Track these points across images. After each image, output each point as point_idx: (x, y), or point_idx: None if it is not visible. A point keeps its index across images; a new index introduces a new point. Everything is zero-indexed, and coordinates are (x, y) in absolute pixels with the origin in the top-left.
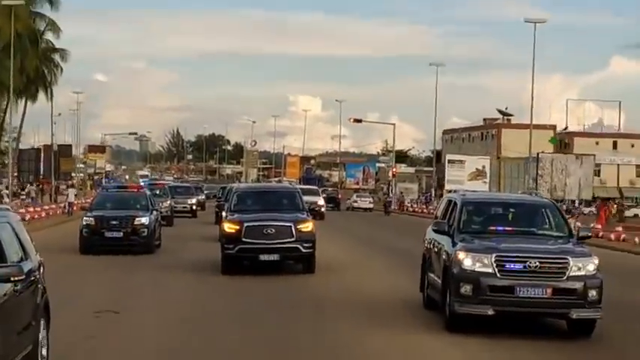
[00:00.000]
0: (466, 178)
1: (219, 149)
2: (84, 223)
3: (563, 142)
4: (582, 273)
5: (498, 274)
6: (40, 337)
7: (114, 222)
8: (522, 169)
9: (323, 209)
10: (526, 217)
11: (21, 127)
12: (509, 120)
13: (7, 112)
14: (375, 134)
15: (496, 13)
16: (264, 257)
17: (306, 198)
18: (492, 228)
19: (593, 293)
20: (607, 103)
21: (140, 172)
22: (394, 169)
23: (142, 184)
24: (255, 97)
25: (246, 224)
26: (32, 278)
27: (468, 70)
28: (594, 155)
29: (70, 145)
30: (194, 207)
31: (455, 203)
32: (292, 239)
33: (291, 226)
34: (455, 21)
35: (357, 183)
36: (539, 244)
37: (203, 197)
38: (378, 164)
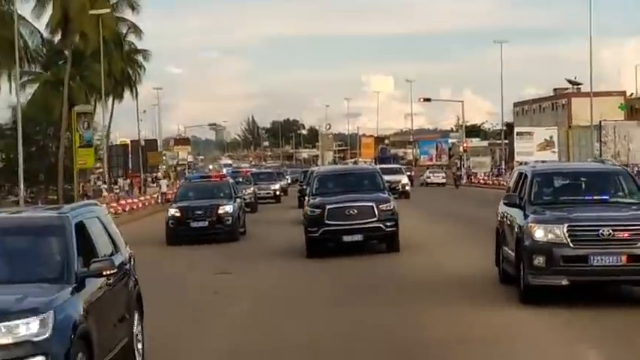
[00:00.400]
0: (535, 149)
1: (294, 134)
2: (169, 214)
3: (634, 107)
4: None
5: (571, 244)
6: (135, 328)
7: (199, 212)
8: (589, 137)
9: (408, 187)
10: (598, 185)
11: (110, 125)
12: (579, 89)
13: (99, 113)
14: (449, 109)
15: None
16: (347, 238)
17: (390, 177)
18: (564, 198)
19: None
20: None
21: (223, 162)
22: (464, 144)
23: (224, 172)
24: (327, 79)
25: (328, 206)
26: (124, 271)
27: (541, 39)
28: None
29: (156, 140)
30: (277, 192)
31: (525, 175)
32: (374, 219)
33: (372, 206)
34: None
35: (431, 159)
36: (611, 211)
37: (286, 182)
38: (450, 140)
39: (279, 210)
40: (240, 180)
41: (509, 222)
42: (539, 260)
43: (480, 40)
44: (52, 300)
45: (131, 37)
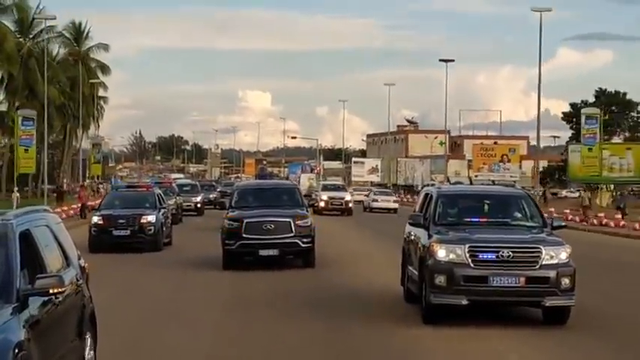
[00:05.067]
0: (366, 173)
1: (181, 150)
2: (92, 222)
3: (456, 143)
4: (555, 261)
5: (472, 265)
6: (86, 353)
7: (121, 220)
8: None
9: (351, 205)
10: (501, 208)
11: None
12: (416, 126)
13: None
14: (326, 127)
15: (445, 5)
16: (263, 252)
17: (334, 194)
18: (467, 219)
19: (566, 281)
20: (552, 94)
21: (174, 175)
22: (318, 168)
23: (149, 182)
24: (204, 92)
25: (246, 220)
26: (75, 288)
27: (420, 62)
28: (430, 159)
29: (107, 156)
30: (198, 205)
31: (431, 196)
32: (291, 234)
33: (290, 222)
34: (403, 14)
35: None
36: (512, 234)
37: (216, 194)
38: (312, 162)
39: (205, 221)
40: (164, 191)
41: (413, 242)
42: (440, 280)
43: (357, 61)
44: None
45: (100, 89)
